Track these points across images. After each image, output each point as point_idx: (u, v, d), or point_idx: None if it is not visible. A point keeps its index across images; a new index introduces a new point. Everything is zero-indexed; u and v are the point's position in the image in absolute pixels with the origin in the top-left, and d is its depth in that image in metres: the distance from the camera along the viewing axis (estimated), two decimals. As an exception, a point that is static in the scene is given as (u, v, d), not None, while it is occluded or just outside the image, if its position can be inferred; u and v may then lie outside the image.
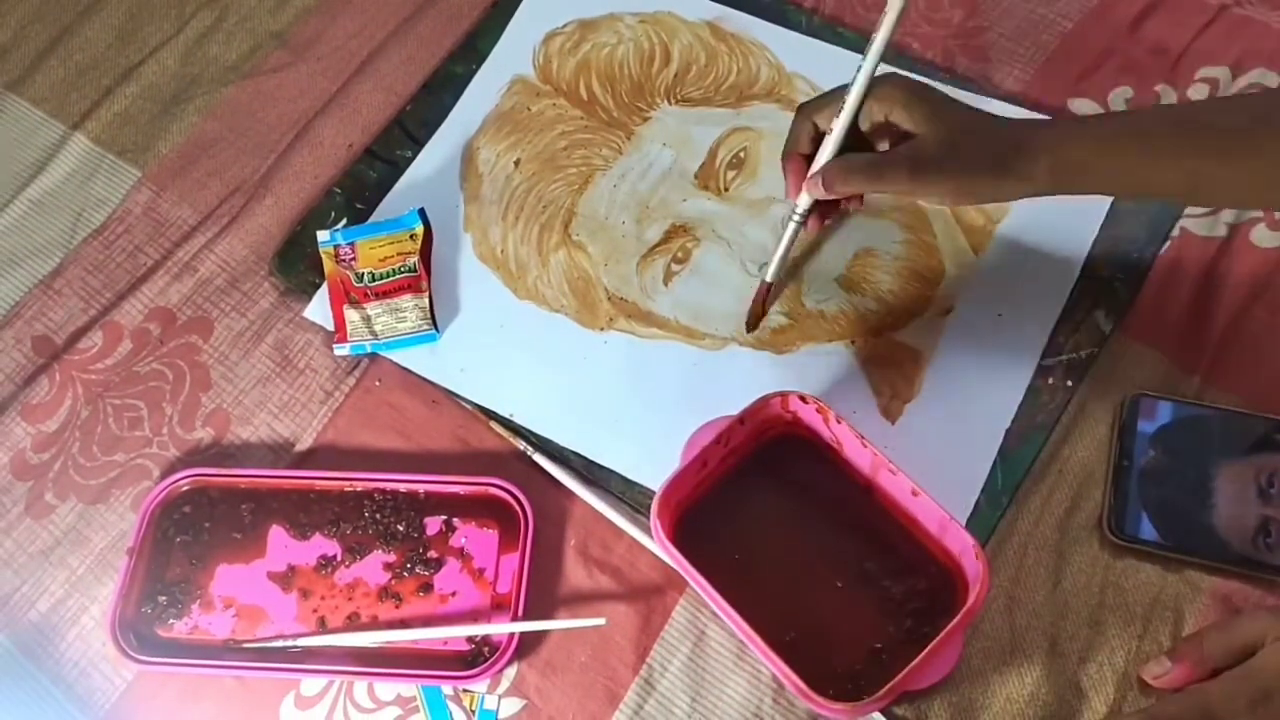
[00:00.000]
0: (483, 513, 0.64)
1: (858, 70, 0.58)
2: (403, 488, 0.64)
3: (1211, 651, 0.56)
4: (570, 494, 0.64)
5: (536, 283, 0.71)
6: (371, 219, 0.74)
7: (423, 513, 0.64)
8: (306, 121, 0.78)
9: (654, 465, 0.64)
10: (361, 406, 0.68)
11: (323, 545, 0.63)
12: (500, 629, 0.59)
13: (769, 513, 0.62)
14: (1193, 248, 0.69)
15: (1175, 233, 0.70)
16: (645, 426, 0.66)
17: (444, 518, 0.64)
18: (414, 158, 0.76)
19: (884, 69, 0.59)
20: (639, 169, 0.75)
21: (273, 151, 0.77)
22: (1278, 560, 0.60)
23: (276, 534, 0.64)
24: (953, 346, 0.67)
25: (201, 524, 0.64)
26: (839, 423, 0.59)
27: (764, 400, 0.60)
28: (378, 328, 0.69)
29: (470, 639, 0.60)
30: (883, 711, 0.57)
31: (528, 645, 0.60)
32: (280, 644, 0.61)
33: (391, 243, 0.71)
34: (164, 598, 0.62)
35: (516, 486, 0.63)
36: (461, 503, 0.64)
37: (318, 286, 0.72)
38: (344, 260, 0.71)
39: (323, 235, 0.72)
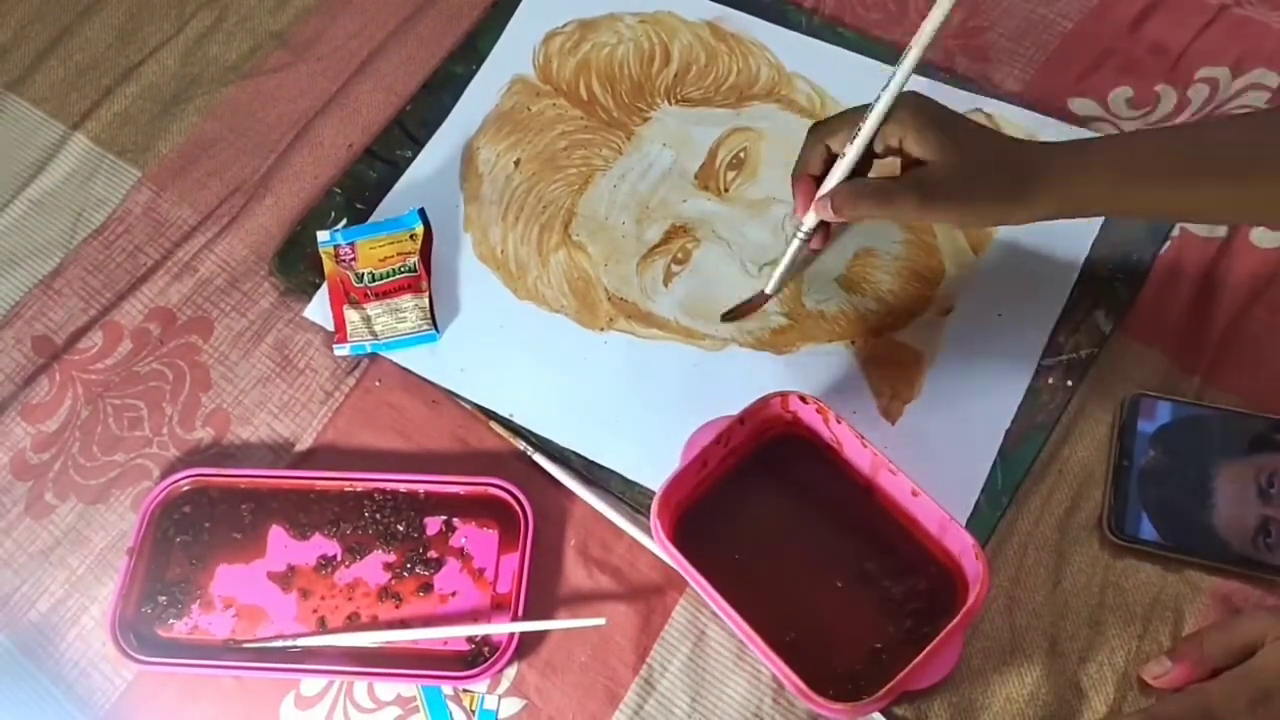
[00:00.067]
0: (483, 513, 0.64)
1: (876, 99, 0.57)
2: (403, 488, 0.64)
3: (1211, 651, 0.56)
4: (570, 494, 0.64)
5: (536, 283, 0.71)
6: (371, 219, 0.74)
7: (423, 513, 0.64)
8: (306, 121, 0.78)
9: (654, 465, 0.64)
10: (361, 406, 0.68)
11: (323, 545, 0.63)
12: (500, 629, 0.59)
13: (769, 513, 0.62)
14: (1193, 248, 0.70)
15: (1175, 233, 0.70)
16: (645, 426, 0.66)
17: (444, 518, 0.64)
18: (414, 158, 0.76)
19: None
20: (639, 169, 0.75)
21: (273, 151, 0.77)
22: (1278, 560, 0.60)
23: (276, 534, 0.64)
24: (953, 346, 0.67)
25: (201, 524, 0.64)
26: (839, 423, 0.59)
27: (764, 400, 0.60)
28: (378, 328, 0.69)
29: (470, 639, 0.60)
30: (883, 711, 0.57)
31: (528, 645, 0.60)
32: (280, 644, 0.61)
33: (391, 243, 0.71)
34: (164, 598, 0.62)
35: (516, 486, 0.63)
36: (461, 503, 0.64)
37: (318, 286, 0.72)
38: (344, 260, 0.71)
39: (323, 235, 0.72)
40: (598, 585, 0.62)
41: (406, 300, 0.69)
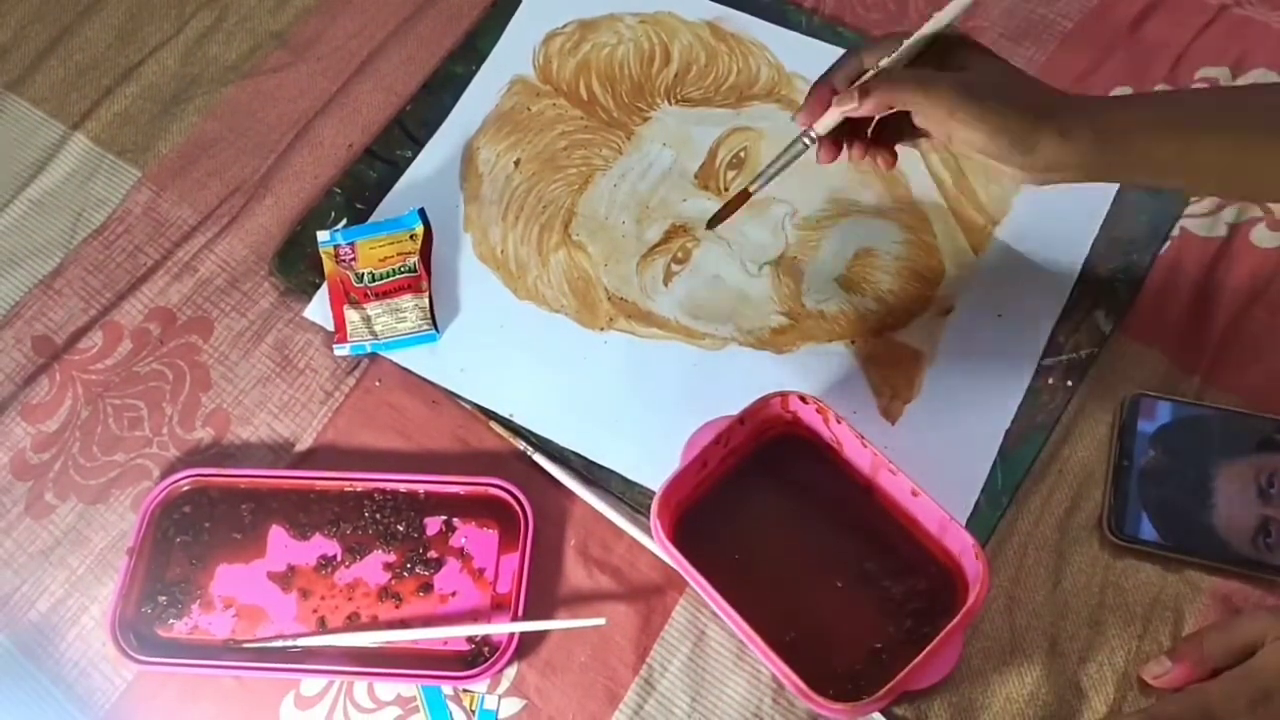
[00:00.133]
0: (483, 513, 0.64)
1: (928, 25, 0.55)
2: (403, 488, 0.64)
3: (1211, 651, 0.56)
4: (570, 494, 0.64)
5: (536, 283, 0.71)
6: (371, 219, 0.74)
7: (423, 513, 0.64)
8: (306, 121, 0.78)
9: (654, 465, 0.64)
10: (361, 406, 0.68)
11: (323, 545, 0.63)
12: (500, 629, 0.59)
13: (769, 513, 0.62)
14: (1193, 248, 0.70)
15: (1175, 233, 0.70)
16: (645, 426, 0.66)
17: (444, 518, 0.64)
18: (414, 158, 0.76)
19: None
20: (639, 169, 0.75)
21: (273, 151, 0.77)
22: (1278, 560, 0.60)
23: (276, 534, 0.64)
24: (953, 346, 0.67)
25: (201, 524, 0.64)
26: (839, 423, 0.59)
27: (764, 400, 0.60)
28: (378, 328, 0.69)
29: (470, 639, 0.60)
30: (883, 711, 0.57)
31: (528, 645, 0.60)
32: (280, 644, 0.61)
33: (391, 243, 0.71)
34: (164, 598, 0.62)
35: (516, 486, 0.63)
36: (461, 503, 0.64)
37: (318, 286, 0.72)
38: (344, 260, 0.71)
39: (323, 235, 0.72)
40: (598, 585, 0.62)
41: (406, 300, 0.69)
